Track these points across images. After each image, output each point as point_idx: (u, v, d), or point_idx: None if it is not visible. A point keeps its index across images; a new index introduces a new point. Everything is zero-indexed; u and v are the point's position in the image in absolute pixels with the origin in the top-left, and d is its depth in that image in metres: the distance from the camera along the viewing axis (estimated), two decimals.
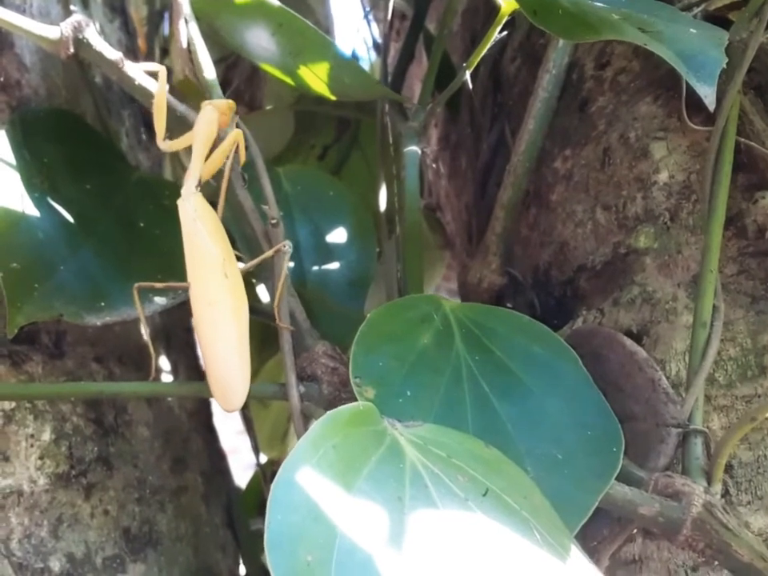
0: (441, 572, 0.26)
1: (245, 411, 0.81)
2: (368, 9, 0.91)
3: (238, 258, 0.40)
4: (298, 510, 0.25)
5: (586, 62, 0.59)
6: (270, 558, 0.24)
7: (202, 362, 0.38)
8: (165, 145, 0.40)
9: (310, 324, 0.42)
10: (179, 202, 0.39)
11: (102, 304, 0.41)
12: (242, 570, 0.59)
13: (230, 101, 0.41)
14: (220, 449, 0.62)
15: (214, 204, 0.40)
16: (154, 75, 0.41)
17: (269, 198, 0.42)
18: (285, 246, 0.40)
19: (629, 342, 0.42)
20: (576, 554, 0.31)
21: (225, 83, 0.85)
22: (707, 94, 0.37)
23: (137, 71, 0.42)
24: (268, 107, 0.79)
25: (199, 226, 0.38)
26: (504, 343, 0.41)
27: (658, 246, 0.50)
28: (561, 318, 0.54)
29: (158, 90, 0.40)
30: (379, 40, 0.90)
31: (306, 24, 0.43)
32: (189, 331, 0.60)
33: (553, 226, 0.58)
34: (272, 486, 0.25)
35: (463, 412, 0.38)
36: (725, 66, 0.39)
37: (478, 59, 0.53)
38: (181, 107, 0.41)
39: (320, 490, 0.26)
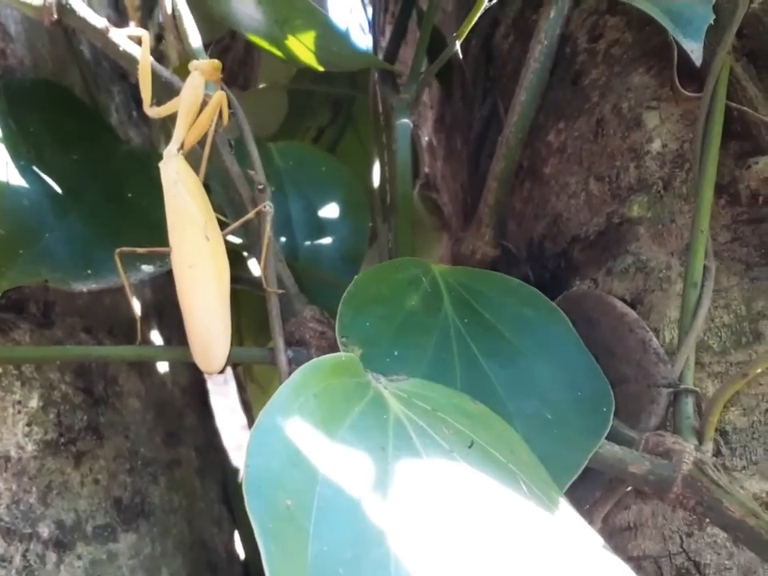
0: (425, 518, 0.26)
1: (243, 395, 0.82)
2: None
3: (221, 223, 0.40)
4: (278, 456, 0.25)
5: (579, 36, 0.58)
6: (248, 503, 0.24)
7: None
8: (152, 111, 0.40)
9: (298, 289, 0.42)
10: (161, 164, 0.39)
11: (89, 272, 0.40)
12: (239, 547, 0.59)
13: (215, 60, 0.40)
14: (215, 426, 0.62)
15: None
16: (138, 41, 0.41)
17: (255, 164, 0.42)
18: (266, 207, 0.40)
19: (619, 303, 0.42)
20: (564, 505, 0.30)
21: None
22: (693, 49, 0.37)
23: (122, 38, 0.42)
24: (261, 86, 0.79)
25: (180, 189, 0.38)
26: (493, 306, 0.40)
27: (651, 215, 0.50)
28: (555, 290, 0.54)
29: (143, 55, 0.40)
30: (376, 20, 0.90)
31: None
32: None
33: (546, 199, 0.58)
34: (251, 431, 0.25)
35: (452, 372, 0.37)
36: (712, 23, 0.38)
37: (468, 29, 0.53)
38: (166, 73, 0.41)
39: (300, 437, 0.26)
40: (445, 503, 0.27)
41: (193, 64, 0.40)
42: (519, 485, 0.29)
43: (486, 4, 0.50)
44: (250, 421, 0.74)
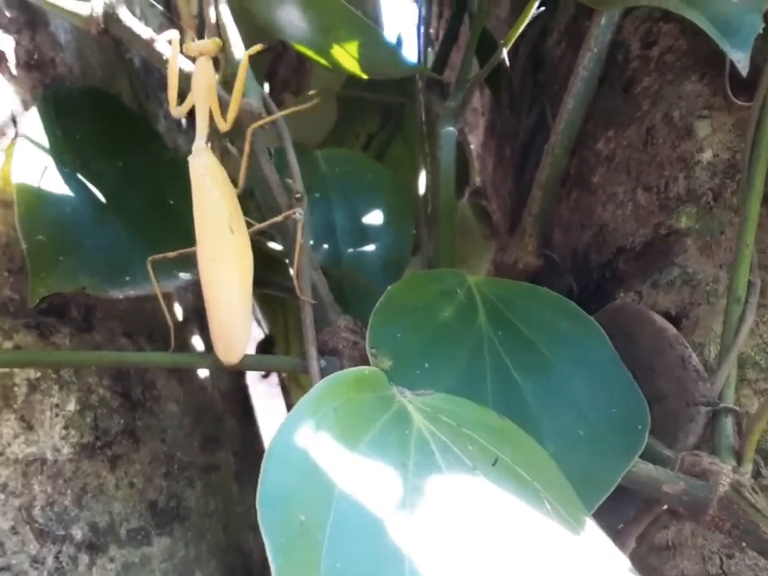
0: (444, 536, 0.26)
1: (288, 399, 0.82)
2: None
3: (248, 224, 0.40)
4: (294, 470, 0.25)
5: (632, 42, 0.57)
6: (260, 517, 0.24)
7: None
8: (175, 111, 0.41)
9: (333, 298, 0.41)
10: (189, 158, 0.39)
11: (127, 278, 0.41)
12: None
13: (215, 39, 0.40)
14: (256, 431, 0.62)
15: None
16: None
17: (294, 172, 0.42)
18: (296, 213, 0.40)
19: (658, 318, 0.41)
20: (590, 527, 0.30)
21: (271, 73, 0.85)
22: (740, 59, 0.36)
23: (167, 48, 0.42)
24: (311, 92, 0.79)
25: (207, 182, 0.39)
26: (529, 318, 0.40)
27: (699, 227, 0.49)
28: (599, 302, 0.53)
29: (171, 56, 0.40)
30: (427, 26, 0.90)
31: (336, 0, 0.43)
32: None
33: (593, 209, 0.57)
34: (268, 445, 0.25)
35: (483, 386, 0.37)
36: (761, 32, 0.37)
37: (516, 35, 0.52)
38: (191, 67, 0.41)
39: (318, 451, 0.26)
40: (465, 522, 0.27)
41: (192, 48, 0.40)
42: (543, 504, 0.29)
43: (534, 11, 0.49)
44: None
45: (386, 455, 0.27)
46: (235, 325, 0.38)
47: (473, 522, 0.27)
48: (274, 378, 0.83)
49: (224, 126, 0.41)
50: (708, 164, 0.50)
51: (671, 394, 0.39)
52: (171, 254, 0.39)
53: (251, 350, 0.83)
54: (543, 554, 0.27)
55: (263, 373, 0.83)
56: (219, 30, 0.45)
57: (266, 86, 0.85)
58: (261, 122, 0.41)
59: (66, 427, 0.41)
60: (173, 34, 0.40)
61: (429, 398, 0.32)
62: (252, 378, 0.86)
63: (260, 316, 0.83)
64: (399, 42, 0.80)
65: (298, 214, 0.40)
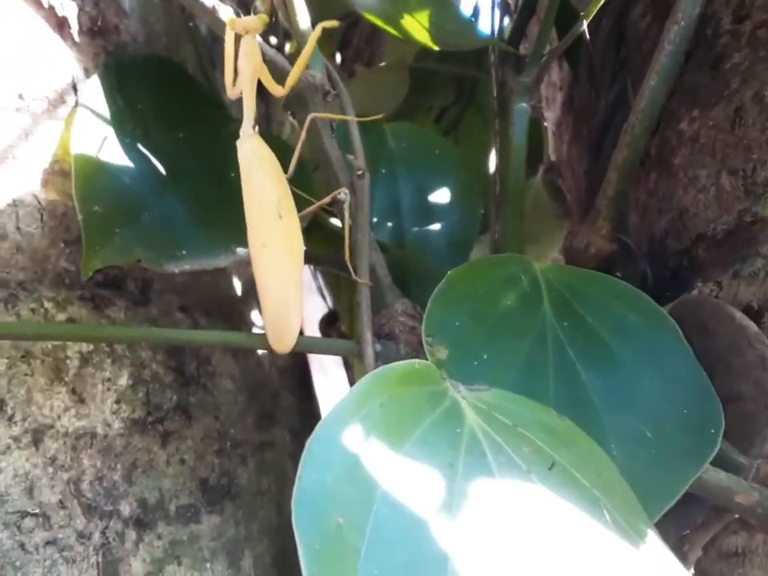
0: (491, 545, 0.24)
1: (350, 375, 0.81)
2: None
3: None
4: (334, 469, 0.23)
5: (723, 16, 0.54)
6: (295, 519, 0.22)
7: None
8: (231, 93, 0.39)
9: (391, 280, 0.40)
10: (237, 142, 0.38)
11: (183, 252, 0.40)
12: None
13: (262, 15, 0.38)
14: (315, 408, 0.62)
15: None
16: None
17: (356, 148, 0.40)
18: (341, 194, 0.38)
19: (738, 314, 0.38)
20: (653, 540, 0.28)
21: (344, 42, 0.84)
22: None
23: (228, 13, 0.41)
24: (382, 64, 0.77)
25: (255, 168, 0.38)
26: (597, 309, 0.38)
27: None
28: (675, 291, 0.50)
29: (226, 36, 0.39)
30: None
31: None
32: None
33: (673, 192, 0.54)
34: (308, 441, 0.24)
35: (545, 380, 0.35)
36: None
37: (597, 7, 0.49)
38: (269, 51, 0.40)
39: (361, 449, 0.24)
40: (514, 530, 0.25)
41: (237, 24, 0.38)
42: (602, 513, 0.27)
43: None
44: None
45: (434, 455, 0.26)
46: (286, 312, 0.37)
47: (523, 531, 0.25)
48: None
49: (279, 91, 0.39)
50: None
51: (748, 395, 0.37)
52: None
53: (314, 325, 0.83)
54: (596, 567, 0.25)
55: None
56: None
57: (338, 56, 0.83)
58: (322, 115, 0.39)
59: (117, 401, 0.40)
60: (227, 11, 0.38)
61: (484, 393, 0.30)
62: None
63: (324, 290, 0.82)
64: (476, 12, 0.77)
65: (343, 194, 0.39)
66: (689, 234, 0.51)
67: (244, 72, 0.38)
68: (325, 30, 0.40)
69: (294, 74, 0.39)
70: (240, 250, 0.42)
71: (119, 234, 0.39)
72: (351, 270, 0.39)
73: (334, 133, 0.41)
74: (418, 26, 0.45)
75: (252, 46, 0.38)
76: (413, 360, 0.30)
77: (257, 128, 0.38)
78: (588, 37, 0.56)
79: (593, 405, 0.35)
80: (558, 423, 0.30)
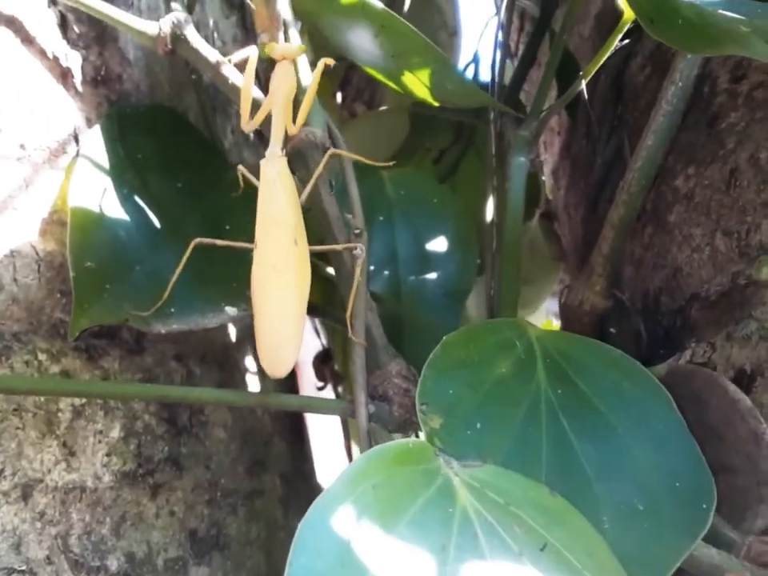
0: None
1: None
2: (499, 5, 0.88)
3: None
4: (325, 555, 0.23)
5: (720, 75, 0.55)
6: None
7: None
8: (248, 126, 0.40)
9: (386, 340, 0.40)
10: (262, 162, 0.39)
11: (172, 310, 0.40)
12: None
13: (302, 44, 0.39)
14: (306, 451, 0.61)
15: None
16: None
17: (355, 207, 0.40)
18: (357, 249, 0.38)
19: (732, 387, 0.38)
20: None
21: (345, 82, 0.84)
22: None
23: (233, 72, 0.41)
24: (383, 107, 0.78)
25: (278, 189, 0.38)
26: (591, 377, 0.38)
27: None
28: (668, 349, 0.50)
29: (247, 73, 0.39)
30: (506, 39, 0.87)
31: (408, 27, 0.41)
32: None
33: (668, 249, 0.54)
34: (299, 526, 0.24)
35: (538, 448, 0.35)
36: None
37: (597, 67, 0.50)
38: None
39: (353, 533, 0.24)
40: None
41: (276, 50, 0.39)
42: None
43: (617, 43, 0.47)
44: (347, 440, 0.73)
45: (426, 537, 0.26)
46: (287, 337, 0.37)
47: None
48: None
49: (293, 130, 0.40)
50: None
51: (741, 468, 0.37)
52: (219, 242, 0.39)
53: (308, 362, 0.83)
54: None
55: (320, 384, 0.83)
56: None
57: (339, 96, 0.84)
58: (341, 152, 0.40)
59: (108, 454, 0.40)
60: (251, 50, 0.39)
61: (477, 470, 0.30)
62: (310, 385, 0.85)
63: (319, 328, 0.82)
64: (476, 59, 0.78)
65: (360, 249, 0.39)
66: (683, 293, 0.52)
67: (278, 94, 0.39)
68: (326, 70, 0.40)
69: (304, 108, 0.40)
70: (229, 309, 0.42)
71: (110, 291, 0.39)
72: (349, 327, 0.39)
73: (333, 190, 0.41)
74: (418, 83, 0.45)
75: (289, 72, 0.39)
76: (407, 439, 0.30)
77: (284, 150, 0.38)
78: (586, 95, 0.57)
79: (585, 474, 0.35)
80: (550, 501, 0.30)
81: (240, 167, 0.41)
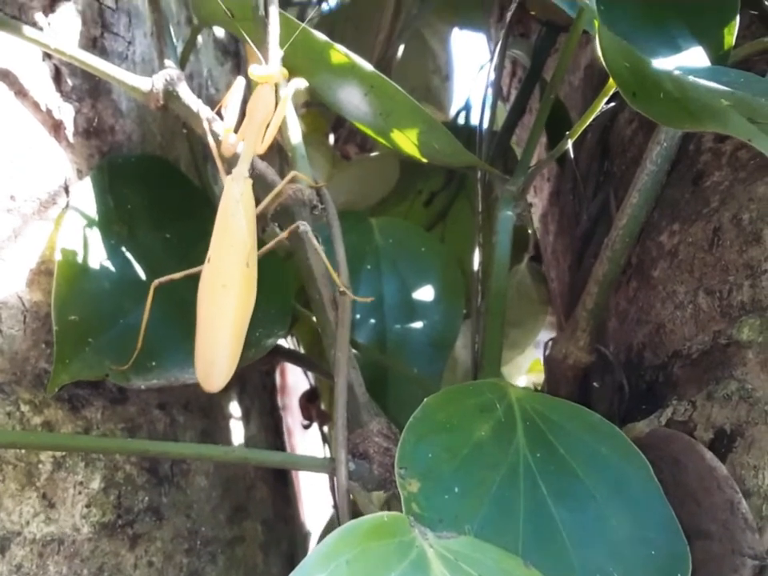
0: None
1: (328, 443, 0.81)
2: (493, 51, 0.89)
3: None
4: None
5: (705, 133, 0.55)
6: None
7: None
8: (228, 149, 0.41)
9: (368, 398, 0.40)
10: (227, 178, 0.39)
11: (153, 363, 0.40)
12: None
13: (283, 68, 0.40)
14: (289, 493, 0.61)
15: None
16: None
17: (340, 265, 0.41)
18: (345, 308, 0.39)
19: (709, 455, 0.39)
20: None
21: (337, 124, 0.85)
22: None
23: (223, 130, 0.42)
24: (374, 153, 0.79)
25: (240, 210, 0.39)
26: (570, 441, 0.38)
27: (762, 341, 0.46)
28: (650, 404, 0.51)
29: (233, 97, 0.40)
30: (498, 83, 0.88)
31: (395, 88, 0.42)
32: (268, 374, 0.60)
33: (651, 304, 0.55)
34: None
35: (515, 514, 0.35)
36: None
37: (583, 128, 0.50)
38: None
39: None
40: None
41: (256, 73, 0.39)
42: None
43: (602, 106, 0.48)
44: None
45: None
46: (225, 354, 0.39)
47: None
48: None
49: (260, 150, 0.41)
50: None
51: (716, 535, 0.37)
52: (177, 276, 0.40)
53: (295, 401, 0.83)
54: None
55: (305, 423, 0.83)
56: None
57: (331, 137, 0.85)
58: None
59: (88, 505, 0.40)
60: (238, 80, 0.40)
61: (452, 541, 0.30)
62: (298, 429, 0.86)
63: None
64: (468, 106, 0.79)
65: (347, 310, 0.40)
66: (665, 349, 0.52)
67: (253, 116, 0.40)
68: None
69: (271, 131, 0.40)
70: None
71: (92, 345, 0.40)
72: (336, 387, 0.39)
73: (321, 244, 0.42)
74: (406, 140, 0.46)
75: (267, 95, 0.40)
76: (381, 513, 0.30)
77: (251, 172, 0.39)
78: (572, 153, 0.58)
79: (562, 541, 0.35)
80: (524, 573, 0.30)
81: None
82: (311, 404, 0.82)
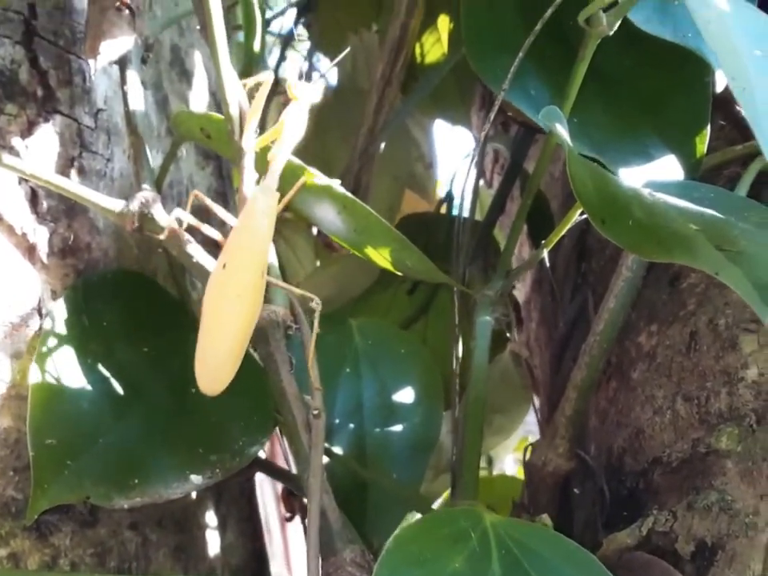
0: None
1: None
2: (474, 151, 0.91)
3: None
4: None
5: None
6: None
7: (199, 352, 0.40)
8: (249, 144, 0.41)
9: (341, 524, 0.40)
10: (256, 189, 0.40)
11: (135, 481, 0.40)
12: None
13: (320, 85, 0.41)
14: None
15: None
16: None
17: (314, 389, 0.41)
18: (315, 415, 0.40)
19: None
20: None
21: None
22: None
23: (197, 251, 0.42)
24: None
25: (264, 222, 0.39)
26: (546, 570, 0.37)
27: (741, 450, 0.47)
28: (631, 511, 0.50)
29: (260, 95, 0.40)
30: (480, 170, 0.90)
31: (367, 210, 0.43)
32: (248, 480, 0.59)
33: (631, 407, 0.55)
34: None
35: None
36: None
37: (559, 236, 0.51)
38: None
39: None
40: None
41: (295, 90, 0.40)
42: None
43: (576, 218, 0.48)
44: None
45: None
46: (230, 360, 0.39)
47: None
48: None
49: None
50: (752, 382, 0.48)
51: None
52: None
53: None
54: None
55: (288, 515, 0.82)
56: None
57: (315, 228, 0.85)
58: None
59: None
60: (267, 75, 0.40)
61: None
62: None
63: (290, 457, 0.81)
64: (450, 196, 0.80)
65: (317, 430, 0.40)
66: (645, 455, 0.52)
67: (289, 131, 0.40)
68: None
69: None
70: (194, 478, 0.42)
71: (70, 467, 0.39)
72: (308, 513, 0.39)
73: (293, 368, 0.42)
74: (380, 256, 0.46)
75: (303, 113, 0.40)
76: None
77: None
78: (548, 261, 0.58)
79: None
80: None
81: None
82: (293, 497, 0.81)
